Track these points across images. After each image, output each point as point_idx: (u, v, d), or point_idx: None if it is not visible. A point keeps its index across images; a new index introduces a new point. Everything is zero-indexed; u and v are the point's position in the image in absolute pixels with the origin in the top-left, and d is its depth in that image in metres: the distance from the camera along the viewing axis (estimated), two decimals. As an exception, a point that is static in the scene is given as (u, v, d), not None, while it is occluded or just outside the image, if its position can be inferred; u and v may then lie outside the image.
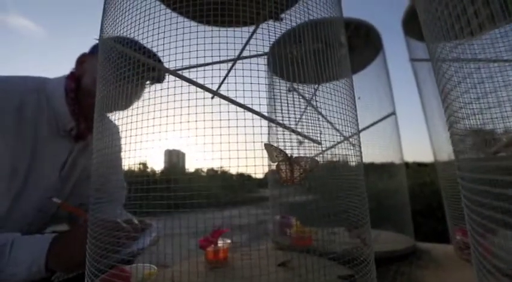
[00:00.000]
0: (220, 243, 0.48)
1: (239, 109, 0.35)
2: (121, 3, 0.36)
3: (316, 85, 0.42)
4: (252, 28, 0.41)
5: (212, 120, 0.31)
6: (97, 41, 0.68)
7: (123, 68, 0.34)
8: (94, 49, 0.67)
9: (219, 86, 0.37)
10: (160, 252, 0.33)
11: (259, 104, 0.33)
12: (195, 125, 0.31)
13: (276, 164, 0.35)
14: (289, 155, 0.35)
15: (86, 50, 0.68)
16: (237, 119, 0.32)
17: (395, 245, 0.67)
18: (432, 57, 0.29)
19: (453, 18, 0.21)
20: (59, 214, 0.69)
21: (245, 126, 0.31)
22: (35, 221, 0.63)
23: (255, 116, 0.35)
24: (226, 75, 0.37)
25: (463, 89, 0.23)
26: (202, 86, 0.34)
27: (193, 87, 0.35)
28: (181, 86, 0.33)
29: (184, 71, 0.36)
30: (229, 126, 0.31)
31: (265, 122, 0.39)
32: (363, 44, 0.77)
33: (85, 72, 0.65)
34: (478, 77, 0.27)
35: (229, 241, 0.50)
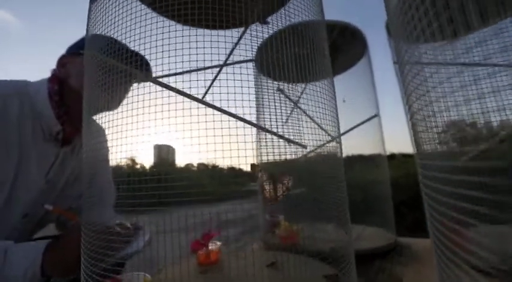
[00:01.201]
0: (211, 246, 0.49)
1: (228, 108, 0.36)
2: (106, 8, 0.36)
3: (301, 88, 0.44)
4: (237, 32, 0.42)
5: (198, 115, 0.32)
6: (73, 42, 0.65)
7: (107, 78, 0.34)
8: (71, 49, 0.64)
9: (207, 91, 0.37)
10: (153, 251, 0.33)
11: (242, 106, 0.35)
12: (182, 120, 0.32)
13: (260, 183, 0.36)
14: (272, 175, 0.36)
15: (66, 42, 0.64)
16: (220, 120, 0.33)
17: (377, 242, 0.71)
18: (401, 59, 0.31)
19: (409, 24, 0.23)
20: (47, 218, 0.68)
21: (229, 121, 0.32)
22: (24, 226, 0.62)
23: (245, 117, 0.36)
24: (214, 80, 0.38)
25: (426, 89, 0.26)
26: (187, 95, 0.35)
27: (181, 88, 0.36)
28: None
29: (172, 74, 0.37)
30: (214, 120, 0.32)
31: (253, 119, 0.40)
32: (348, 46, 0.78)
33: (70, 74, 0.62)
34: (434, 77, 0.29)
35: (219, 243, 0.51)
